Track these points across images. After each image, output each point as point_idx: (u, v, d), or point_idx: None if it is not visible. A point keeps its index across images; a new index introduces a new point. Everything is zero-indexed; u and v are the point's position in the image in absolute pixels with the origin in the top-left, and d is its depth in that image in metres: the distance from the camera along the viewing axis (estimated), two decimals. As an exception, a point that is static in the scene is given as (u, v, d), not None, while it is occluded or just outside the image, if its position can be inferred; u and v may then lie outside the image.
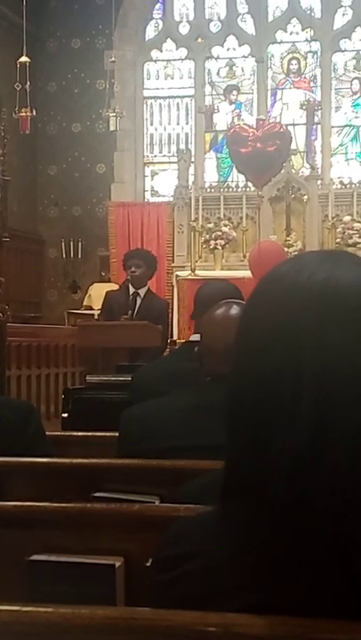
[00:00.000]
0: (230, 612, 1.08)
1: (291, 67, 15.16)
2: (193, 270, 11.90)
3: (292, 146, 13.57)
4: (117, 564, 1.79)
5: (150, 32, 15.50)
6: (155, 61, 15.52)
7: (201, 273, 11.99)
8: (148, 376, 3.96)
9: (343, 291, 1.09)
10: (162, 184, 15.36)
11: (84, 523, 1.93)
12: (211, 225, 13.35)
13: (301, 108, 14.54)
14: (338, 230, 12.82)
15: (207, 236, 13.07)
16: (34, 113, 12.73)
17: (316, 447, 1.03)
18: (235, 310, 2.69)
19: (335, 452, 1.03)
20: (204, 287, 4.23)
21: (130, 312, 7.63)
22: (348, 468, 1.03)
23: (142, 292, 7.73)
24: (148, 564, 1.29)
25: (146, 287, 7.79)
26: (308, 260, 1.15)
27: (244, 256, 12.22)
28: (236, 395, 1.13)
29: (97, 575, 1.78)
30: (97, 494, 2.21)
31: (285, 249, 11.74)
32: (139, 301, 7.70)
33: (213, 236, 13.02)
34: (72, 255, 15.08)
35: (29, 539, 1.89)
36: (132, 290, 7.72)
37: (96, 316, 11.48)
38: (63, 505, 1.97)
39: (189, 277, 11.78)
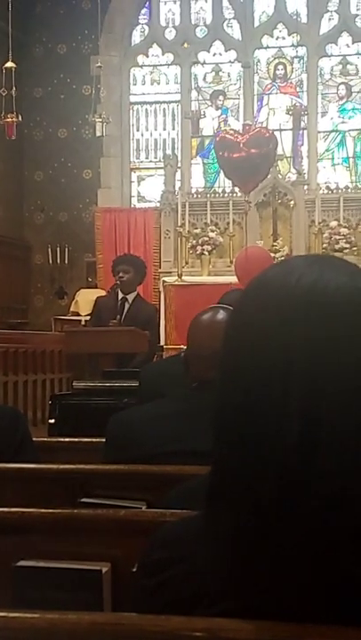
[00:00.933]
0: (216, 616, 1.08)
1: (277, 72, 15.20)
2: (180, 276, 11.89)
3: (279, 151, 13.60)
4: (104, 570, 1.79)
5: (136, 37, 15.52)
6: (141, 67, 15.54)
7: (188, 279, 11.99)
8: (153, 376, 3.96)
9: (331, 293, 1.09)
10: (148, 190, 15.37)
11: (71, 528, 1.93)
12: (197, 230, 13.36)
13: (288, 114, 14.60)
14: (324, 235, 12.85)
15: (194, 242, 13.07)
16: (20, 118, 12.72)
17: (305, 449, 1.03)
18: (221, 315, 2.69)
19: (324, 454, 1.03)
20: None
21: (118, 317, 7.63)
22: (337, 469, 1.03)
23: (131, 297, 7.74)
24: (134, 570, 1.29)
25: (135, 292, 7.80)
26: (296, 264, 1.16)
27: (231, 261, 12.23)
28: (224, 398, 1.13)
29: (84, 581, 1.78)
30: (84, 500, 2.20)
31: (272, 254, 11.75)
32: (127, 306, 7.71)
33: (200, 241, 13.02)
34: (59, 261, 15.07)
35: (16, 544, 1.88)
36: (120, 295, 7.73)
37: (83, 322, 11.47)
38: (50, 511, 1.97)
39: (176, 283, 11.77)
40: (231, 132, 12.49)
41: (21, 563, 1.81)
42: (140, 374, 4.19)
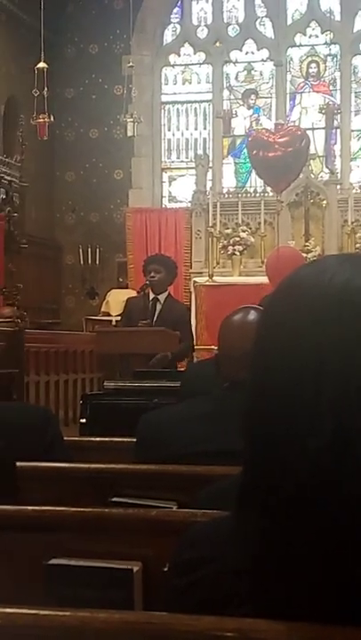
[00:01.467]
0: (246, 616, 1.07)
1: (310, 70, 15.16)
2: (211, 276, 11.89)
3: (311, 150, 13.57)
4: (135, 569, 1.79)
5: (168, 36, 15.54)
6: (172, 66, 15.56)
7: (219, 279, 11.99)
8: (194, 376, 3.97)
9: None
10: (179, 190, 15.38)
11: (102, 527, 1.93)
12: (229, 230, 13.35)
13: (320, 112, 14.54)
14: (357, 235, 12.79)
15: (225, 242, 13.06)
16: (51, 119, 12.77)
17: (337, 449, 1.03)
18: (252, 316, 2.68)
19: (356, 454, 1.03)
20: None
21: (148, 320, 7.63)
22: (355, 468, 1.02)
23: (162, 297, 7.73)
24: (166, 569, 1.29)
25: (166, 292, 7.79)
26: (329, 263, 1.15)
27: (263, 262, 12.21)
28: (254, 398, 1.13)
29: (115, 580, 1.78)
30: (114, 499, 2.21)
31: (304, 254, 11.72)
32: (159, 307, 7.70)
33: (231, 241, 13.01)
34: (90, 261, 15.12)
35: (48, 543, 1.89)
36: (152, 295, 7.73)
37: (114, 322, 11.50)
38: (81, 510, 1.98)
39: (207, 283, 11.78)
40: (263, 131, 12.48)
41: (53, 561, 1.81)
42: (183, 375, 4.19)
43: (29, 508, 1.99)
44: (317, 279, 1.12)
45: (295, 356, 1.08)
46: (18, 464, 2.30)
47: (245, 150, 14.37)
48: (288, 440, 1.06)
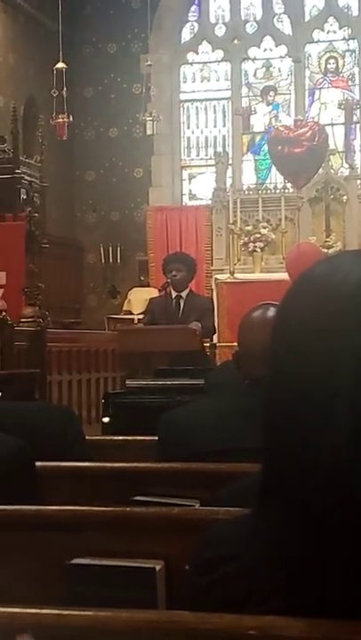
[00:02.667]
0: (267, 614, 1.07)
1: (328, 66, 15.12)
2: (232, 273, 11.87)
3: (331, 146, 13.53)
4: (158, 568, 1.79)
5: (186, 34, 15.54)
6: (191, 64, 15.56)
7: (240, 276, 11.96)
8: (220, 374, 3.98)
9: None
10: (200, 187, 15.38)
11: (124, 526, 1.93)
12: (249, 227, 13.31)
13: (340, 108, 14.49)
14: (378, 230, 12.74)
15: (246, 239, 13.03)
16: (71, 119, 12.81)
17: (353, 447, 1.02)
18: (272, 312, 2.67)
19: None
20: None
21: (176, 316, 7.71)
22: None
23: (184, 294, 7.80)
24: (188, 568, 1.29)
25: (188, 289, 7.86)
26: (343, 261, 1.14)
27: (284, 258, 12.17)
28: (273, 396, 1.13)
29: (138, 578, 1.78)
30: (137, 498, 2.21)
31: (325, 250, 11.68)
32: (182, 303, 7.76)
33: (252, 238, 12.97)
34: (111, 260, 15.15)
35: (70, 542, 1.89)
36: (174, 294, 7.78)
37: (136, 321, 11.51)
38: (103, 509, 1.98)
39: (228, 280, 11.75)
40: (283, 127, 12.45)
41: (75, 560, 1.82)
42: (208, 373, 4.20)
43: (50, 507, 1.99)
44: (331, 278, 1.11)
45: (310, 356, 1.07)
46: (39, 464, 2.30)
47: (265, 147, 14.36)
48: (305, 440, 1.05)
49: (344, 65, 15.14)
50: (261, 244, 12.94)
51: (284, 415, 1.09)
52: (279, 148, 11.90)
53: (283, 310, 1.18)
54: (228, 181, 14.39)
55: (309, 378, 1.07)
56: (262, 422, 1.14)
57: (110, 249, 15.12)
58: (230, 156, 14.88)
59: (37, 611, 1.23)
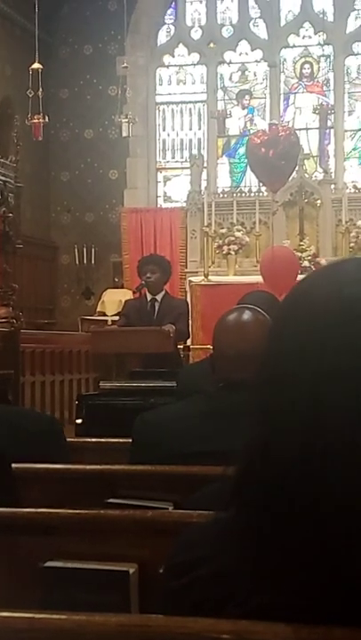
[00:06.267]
0: (243, 616, 1.07)
1: (303, 71, 15.17)
2: (206, 276, 11.86)
3: (306, 150, 13.58)
4: (131, 571, 1.79)
5: (162, 37, 15.54)
6: (167, 67, 15.56)
7: (214, 278, 11.95)
8: (191, 377, 3.98)
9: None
10: (174, 190, 15.38)
11: (98, 529, 1.93)
12: (224, 230, 13.33)
13: (314, 113, 14.54)
14: (352, 235, 12.77)
15: (220, 242, 13.04)
16: (46, 119, 12.76)
17: (327, 457, 1.02)
18: (247, 315, 2.68)
19: (345, 463, 1.02)
20: (247, 297, 4.23)
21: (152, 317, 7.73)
22: (347, 472, 1.02)
23: (159, 296, 7.80)
24: (162, 571, 1.29)
25: (163, 291, 7.86)
26: (341, 272, 1.12)
27: (258, 261, 12.18)
28: (260, 405, 1.12)
29: (111, 582, 1.78)
30: (111, 500, 2.20)
31: (298, 254, 11.71)
32: (157, 306, 7.77)
33: (226, 241, 12.98)
34: (85, 261, 15.11)
35: (44, 545, 1.89)
36: (149, 296, 7.79)
37: (110, 322, 11.49)
38: (77, 511, 1.97)
39: (202, 283, 11.74)
40: (258, 132, 12.49)
41: (49, 563, 1.81)
42: (179, 375, 4.20)
43: (25, 510, 1.98)
44: (327, 291, 1.09)
45: (297, 371, 1.06)
46: (15, 465, 2.29)
47: (240, 150, 14.39)
48: (284, 443, 1.06)
49: (319, 70, 15.19)
50: (236, 247, 12.96)
51: (267, 422, 1.09)
52: (253, 152, 11.92)
53: (275, 325, 1.16)
54: (203, 184, 14.40)
55: (294, 393, 1.06)
56: (246, 424, 1.14)
57: (85, 250, 15.08)
58: (205, 158, 14.90)
59: (9, 614, 1.22)
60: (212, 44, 15.20)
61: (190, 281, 12.31)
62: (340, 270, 1.12)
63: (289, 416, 1.06)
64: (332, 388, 1.03)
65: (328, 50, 14.99)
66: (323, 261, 11.67)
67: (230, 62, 15.36)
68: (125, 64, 13.67)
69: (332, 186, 13.69)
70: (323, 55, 15.09)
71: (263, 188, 13.12)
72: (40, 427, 2.74)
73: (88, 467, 2.56)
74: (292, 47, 15.24)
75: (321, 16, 14.82)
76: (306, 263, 11.65)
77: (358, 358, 1.03)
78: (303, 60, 15.20)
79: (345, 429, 1.02)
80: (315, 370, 1.05)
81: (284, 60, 15.27)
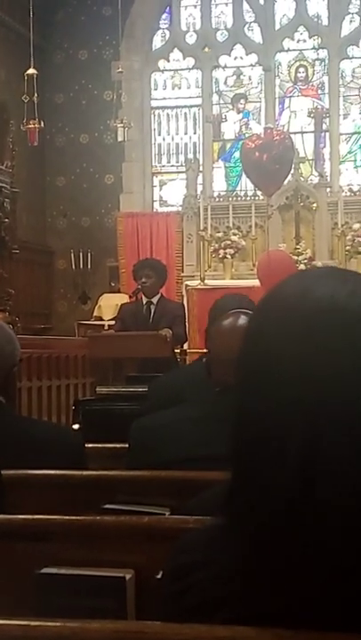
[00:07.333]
0: (237, 620, 1.07)
1: (298, 74, 15.18)
2: (202, 280, 11.88)
3: (301, 154, 13.59)
4: (128, 577, 1.78)
5: (157, 42, 15.54)
6: (162, 71, 15.56)
7: (210, 282, 11.97)
8: (165, 385, 3.96)
9: (339, 313, 1.08)
10: (170, 194, 15.38)
11: (94, 535, 1.92)
12: (220, 234, 13.34)
13: (309, 116, 14.53)
14: (347, 238, 12.79)
15: (216, 246, 13.06)
16: (42, 125, 12.75)
17: (310, 469, 1.03)
18: (243, 320, 2.68)
19: (327, 471, 1.03)
20: (221, 300, 4.22)
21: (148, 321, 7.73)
22: (344, 478, 1.02)
23: (155, 299, 7.82)
24: (159, 577, 1.29)
25: (158, 295, 7.87)
26: (312, 279, 1.14)
27: (254, 265, 12.20)
28: (239, 407, 1.13)
29: (107, 588, 1.78)
30: (107, 506, 2.20)
31: (295, 257, 11.73)
32: (153, 309, 7.78)
33: (223, 245, 13.00)
34: (81, 266, 15.10)
35: (39, 552, 1.88)
36: (145, 300, 7.79)
37: (106, 327, 11.48)
38: (73, 518, 1.97)
39: (199, 287, 11.75)
40: (254, 136, 12.49)
41: (45, 570, 1.81)
42: (154, 383, 4.18)
43: (20, 517, 1.98)
44: (299, 298, 1.11)
45: (272, 379, 1.08)
46: (7, 472, 2.28)
47: (235, 154, 14.39)
48: (269, 452, 1.06)
49: (314, 74, 15.20)
50: (232, 251, 12.98)
51: (250, 431, 1.10)
52: (248, 155, 11.93)
53: (249, 331, 1.18)
54: (199, 188, 14.40)
55: (270, 402, 1.07)
56: (230, 432, 1.15)
57: (81, 255, 15.07)
58: (201, 162, 14.90)
59: (5, 621, 1.21)
60: (206, 49, 15.20)
61: (187, 285, 12.32)
62: (308, 280, 1.15)
63: (267, 416, 1.07)
64: (307, 386, 1.04)
65: (323, 53, 15.00)
66: (319, 264, 11.68)
67: (225, 66, 15.37)
68: (120, 69, 13.67)
69: (328, 189, 13.70)
70: (317, 59, 15.10)
71: (259, 192, 13.13)
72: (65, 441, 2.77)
73: (84, 472, 2.56)
74: (286, 51, 15.25)
75: (315, 20, 14.82)
76: (302, 267, 11.65)
77: (330, 356, 1.04)
78: (298, 63, 15.21)
79: (330, 426, 1.03)
80: (288, 368, 1.06)
81: (279, 63, 15.29)
